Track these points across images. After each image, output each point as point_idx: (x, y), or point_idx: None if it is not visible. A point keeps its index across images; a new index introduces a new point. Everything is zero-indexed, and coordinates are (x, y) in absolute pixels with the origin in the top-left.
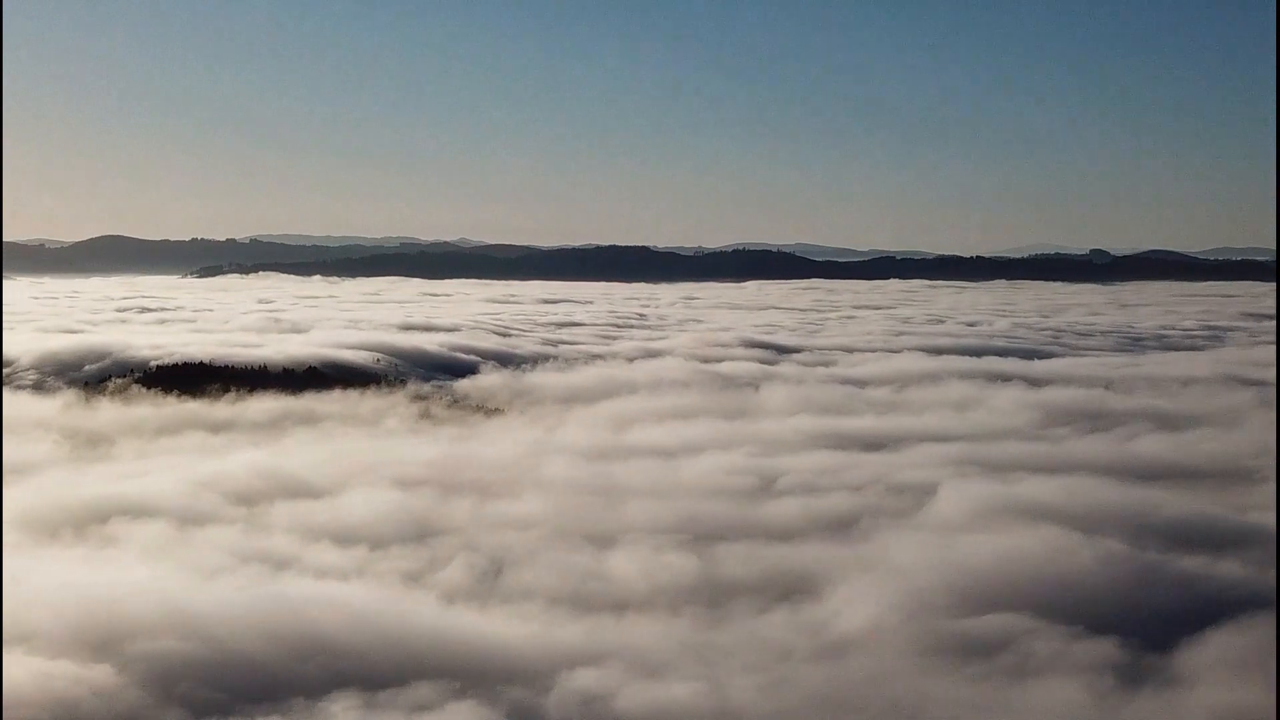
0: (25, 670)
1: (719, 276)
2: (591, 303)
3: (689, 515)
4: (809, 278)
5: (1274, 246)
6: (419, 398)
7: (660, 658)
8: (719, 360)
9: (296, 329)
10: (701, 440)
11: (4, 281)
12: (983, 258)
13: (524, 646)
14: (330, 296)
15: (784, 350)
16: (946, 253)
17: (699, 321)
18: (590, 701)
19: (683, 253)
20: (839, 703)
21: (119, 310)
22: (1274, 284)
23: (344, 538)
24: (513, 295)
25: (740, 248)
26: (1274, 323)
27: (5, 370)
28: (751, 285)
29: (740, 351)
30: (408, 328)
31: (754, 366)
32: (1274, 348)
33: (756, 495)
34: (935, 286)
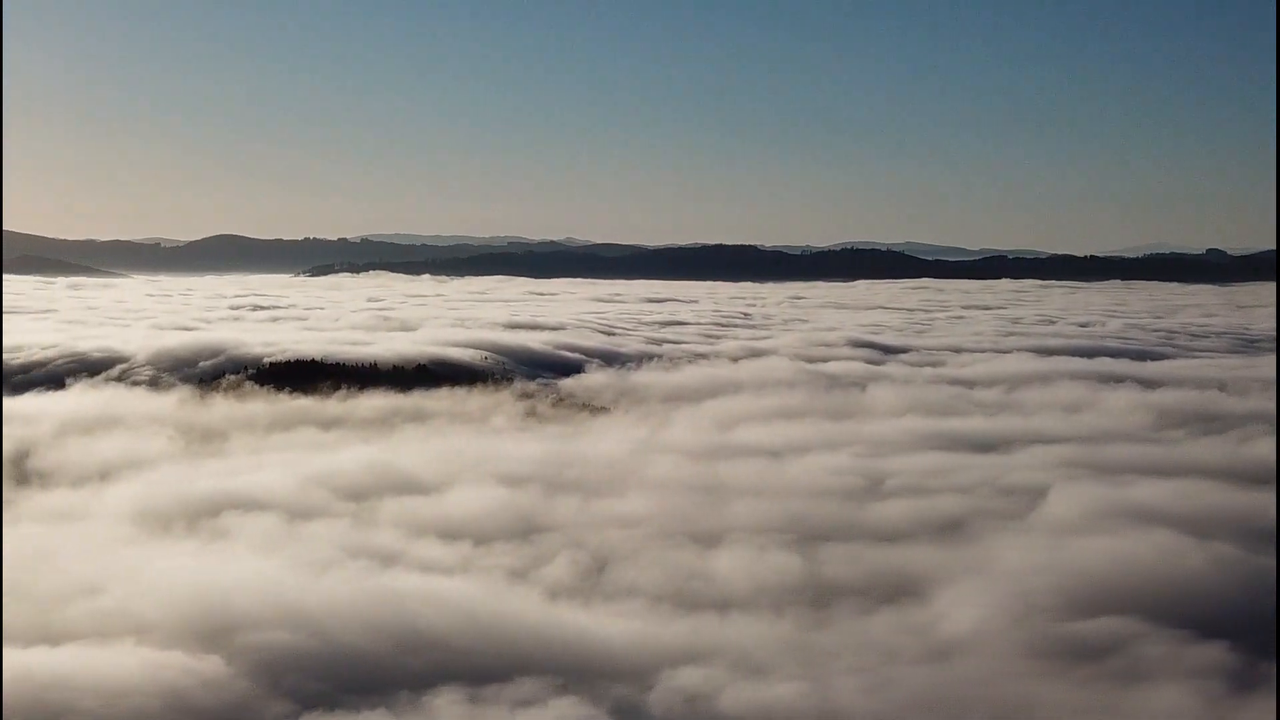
0: (137, 661)
1: (826, 276)
2: (696, 302)
3: (794, 515)
4: (918, 277)
5: None
6: (525, 396)
7: (763, 657)
8: (824, 360)
9: (405, 327)
10: (807, 440)
11: (121, 278)
12: (1096, 257)
13: (626, 644)
14: (438, 295)
15: (891, 350)
16: (1060, 252)
17: (804, 321)
18: (693, 700)
19: (790, 252)
20: (944, 705)
21: (232, 308)
22: None
23: (449, 533)
24: (618, 294)
25: (848, 247)
26: None
27: (122, 366)
28: (859, 285)
29: (846, 351)
30: (514, 326)
31: (860, 366)
32: None
33: (863, 496)
34: (1047, 286)
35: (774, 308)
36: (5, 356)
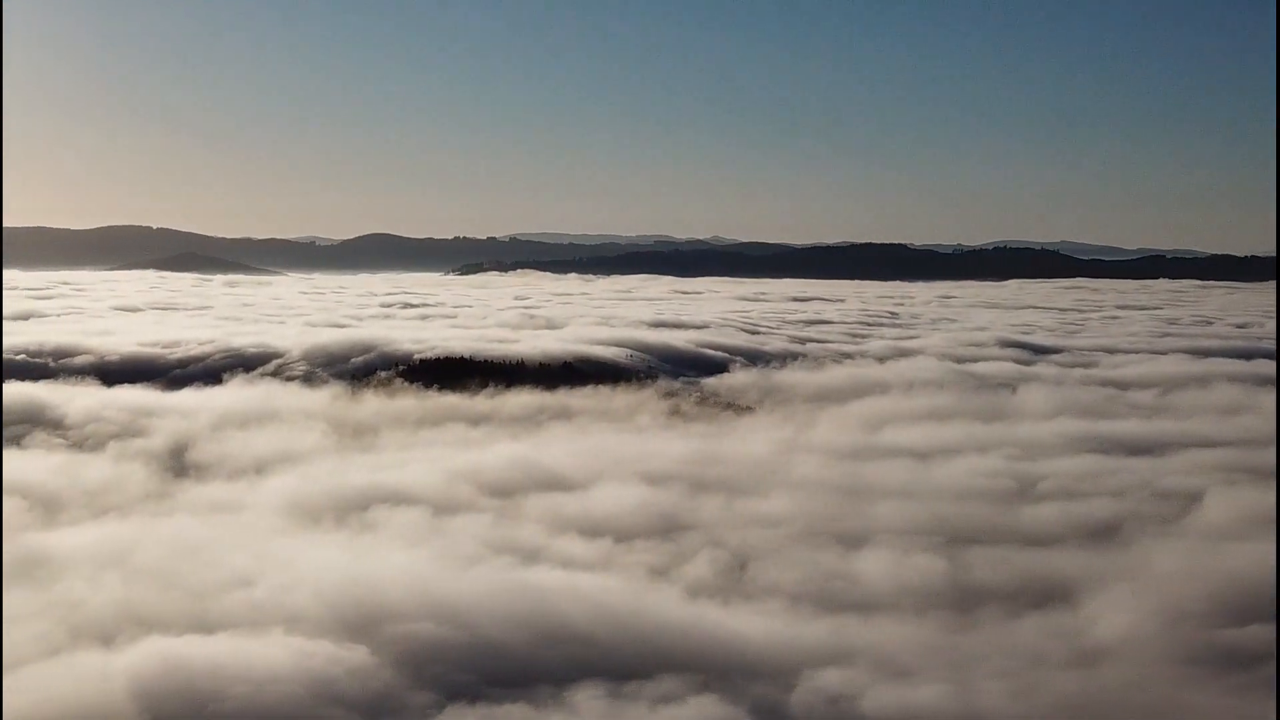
0: (285, 650)
1: (978, 275)
2: (843, 301)
3: (941, 518)
4: (1072, 277)
5: None
6: (669, 394)
7: (906, 660)
8: (974, 360)
9: (551, 325)
10: (956, 442)
11: (276, 276)
12: (1257, 257)
13: (767, 643)
14: (583, 294)
15: (1042, 351)
16: (1219, 252)
17: (953, 320)
18: (835, 701)
19: (941, 251)
20: (1092, 710)
21: (383, 306)
22: None
23: (591, 530)
24: (763, 293)
25: (1001, 246)
26: None
27: (277, 362)
28: (1012, 284)
29: (996, 351)
30: (658, 325)
31: (1010, 367)
32: None
33: (1013, 499)
34: (1206, 287)
35: (922, 307)
36: (163, 351)
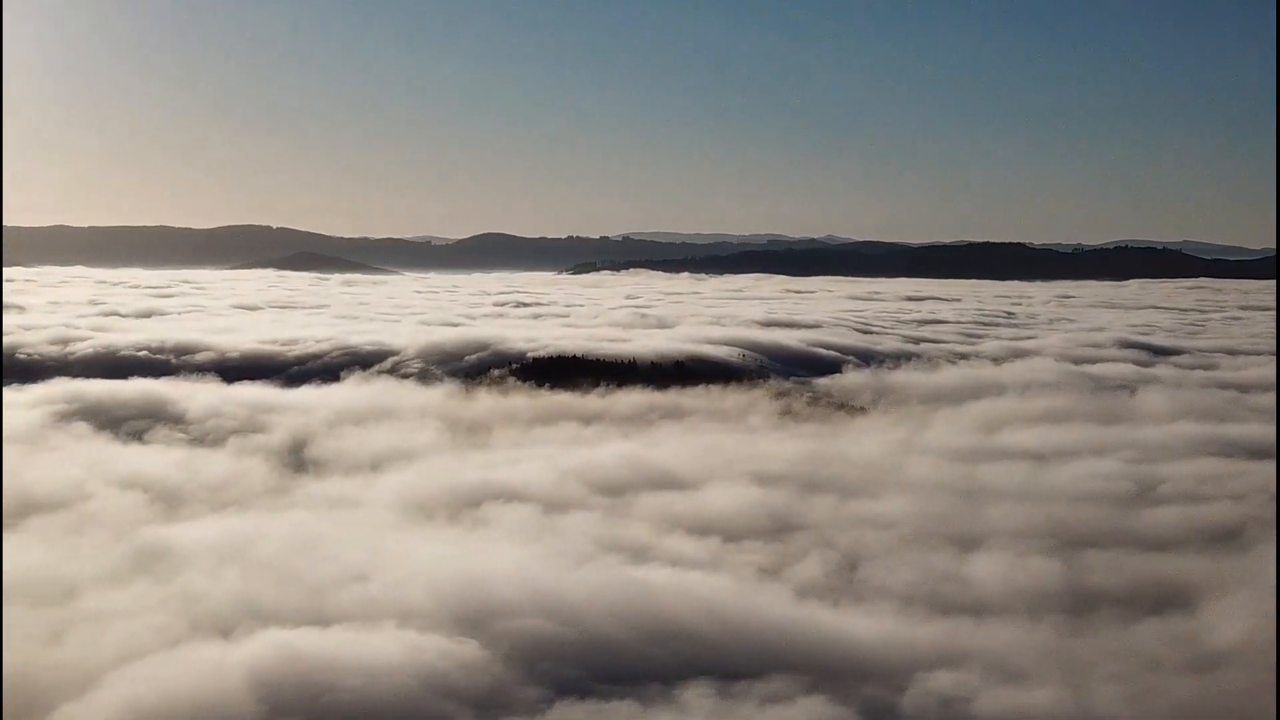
0: (398, 643)
1: (1098, 275)
2: (959, 300)
3: (1057, 521)
4: (1194, 277)
5: None
6: (781, 394)
7: (1019, 663)
8: (1092, 361)
9: (662, 324)
10: (1073, 444)
11: (391, 275)
12: None
13: (878, 645)
14: (694, 293)
15: (1161, 352)
16: None
17: (1071, 321)
18: (947, 703)
19: (1060, 250)
20: (1209, 716)
21: (496, 305)
22: None
23: (701, 529)
24: (876, 292)
25: (1122, 245)
26: None
27: (393, 360)
28: (1133, 284)
29: (1114, 352)
30: (770, 324)
31: (1129, 368)
32: None
33: (1131, 502)
34: None
35: (1040, 307)
36: (281, 348)
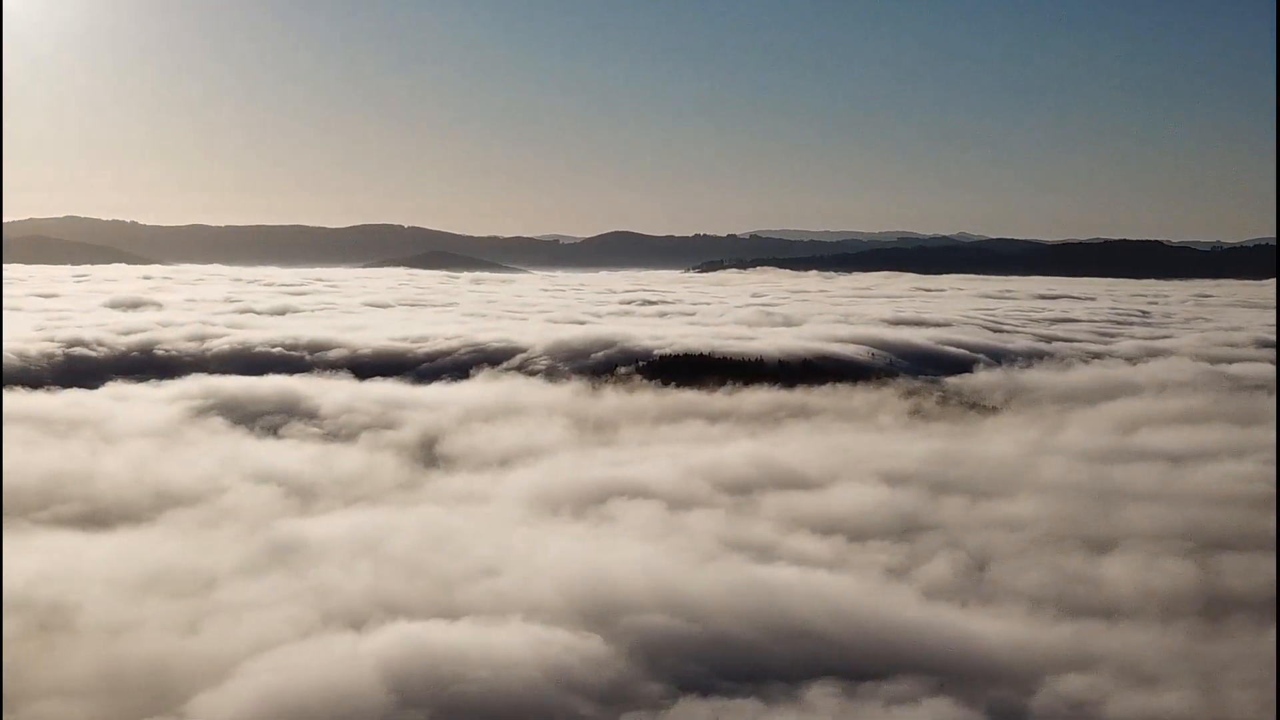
0: (524, 637)
1: (1237, 273)
2: (1093, 299)
3: (1193, 523)
4: None
5: None
6: (910, 393)
7: (1151, 667)
8: (1229, 361)
9: (789, 323)
10: (1210, 445)
11: (519, 274)
12: None
13: (1006, 647)
14: (821, 291)
15: None
16: None
17: (1208, 320)
18: (1077, 707)
19: (1198, 248)
20: None
21: (622, 303)
22: None
23: (826, 528)
24: (1008, 291)
25: (1262, 243)
26: None
27: (521, 357)
28: (1272, 283)
29: (1253, 352)
30: (898, 322)
31: (1268, 369)
32: None
33: (1268, 505)
34: None
35: (1176, 306)
36: (412, 346)
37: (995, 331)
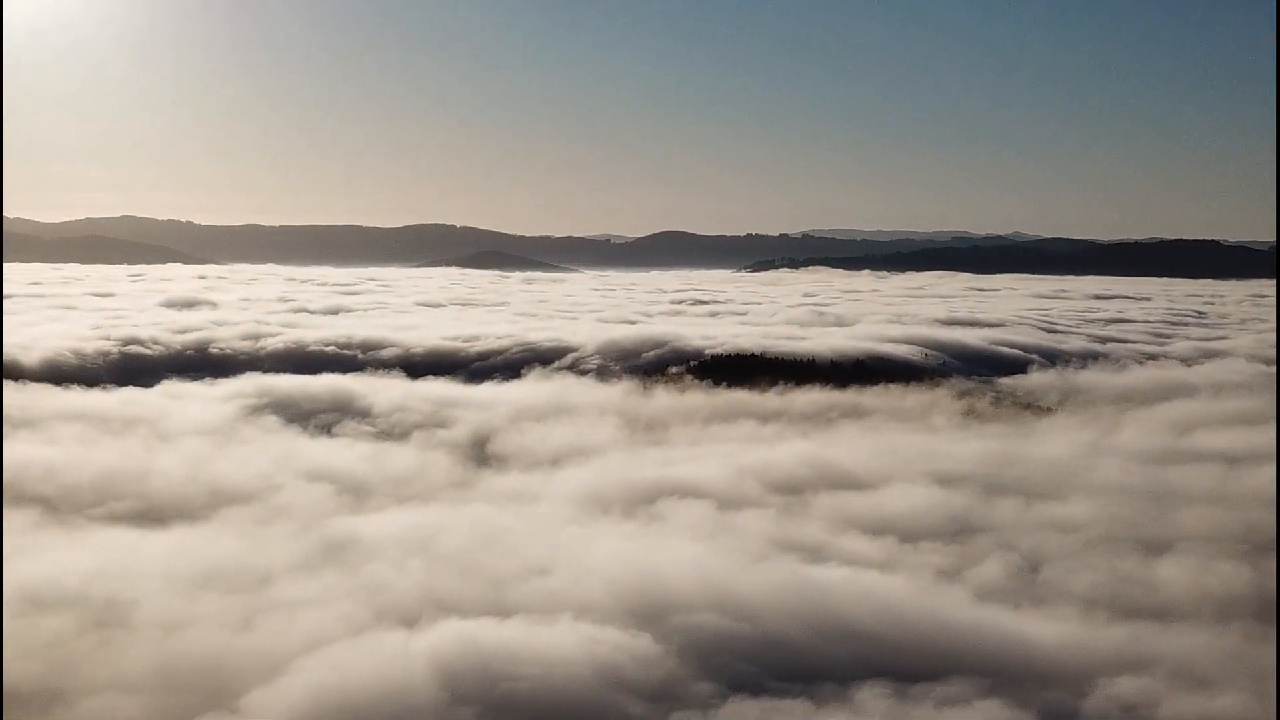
0: (574, 635)
1: None
2: (1149, 300)
3: (1250, 525)
4: None
5: None
6: (963, 394)
7: (1206, 669)
8: None
9: (840, 323)
10: (1266, 447)
11: (571, 273)
12: None
13: (1058, 649)
14: (874, 291)
15: None
16: None
17: (1264, 321)
18: (1130, 709)
19: (1256, 247)
20: None
21: (673, 302)
22: None
23: (877, 529)
24: (1063, 290)
25: None
26: None
27: (572, 356)
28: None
29: None
30: (951, 322)
31: None
32: None
33: None
34: None
35: (1232, 306)
36: (464, 345)
37: (1049, 332)
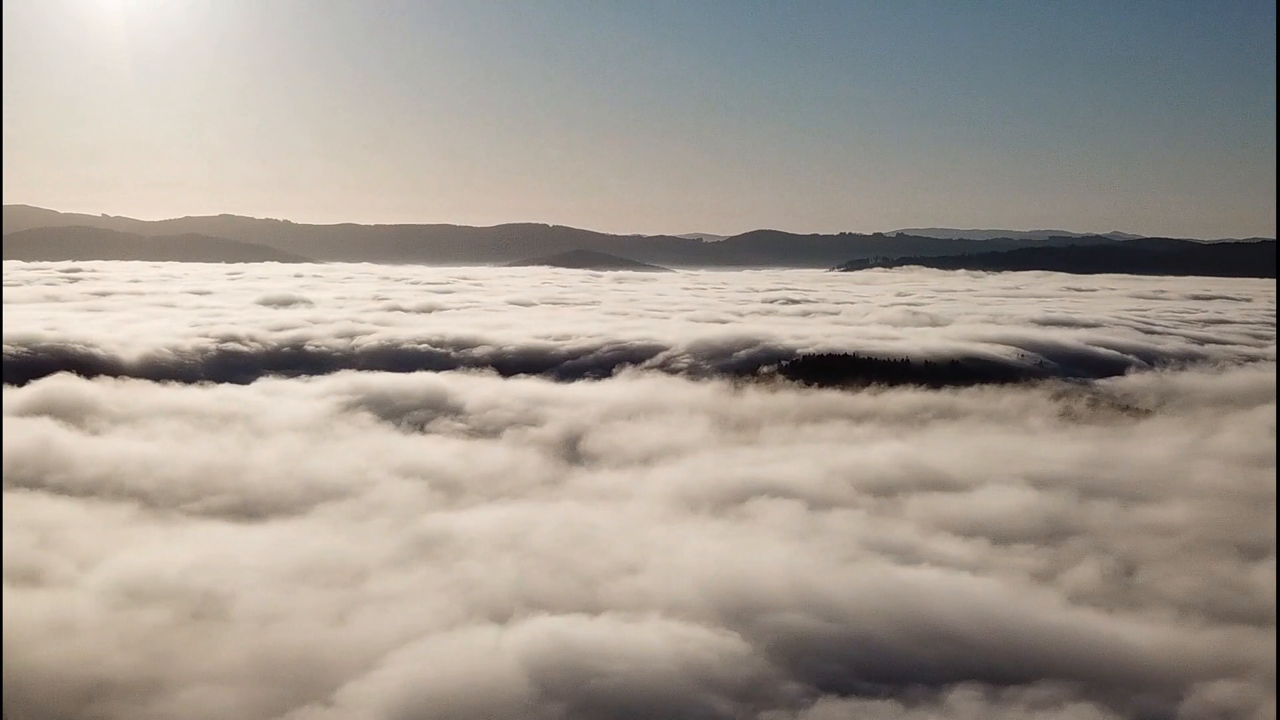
0: (662, 633)
1: None
2: (1249, 300)
3: None
4: None
5: None
6: (1059, 395)
7: None
8: None
9: (935, 323)
10: None
11: (662, 272)
12: None
13: (1153, 653)
14: (969, 291)
15: None
16: None
17: None
18: (1226, 714)
19: None
20: None
21: (765, 302)
22: None
23: (969, 531)
24: (1162, 291)
25: None
26: None
27: (663, 355)
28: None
29: None
30: (1047, 323)
31: None
32: None
33: None
34: None
35: None
36: (555, 343)
37: (1147, 333)
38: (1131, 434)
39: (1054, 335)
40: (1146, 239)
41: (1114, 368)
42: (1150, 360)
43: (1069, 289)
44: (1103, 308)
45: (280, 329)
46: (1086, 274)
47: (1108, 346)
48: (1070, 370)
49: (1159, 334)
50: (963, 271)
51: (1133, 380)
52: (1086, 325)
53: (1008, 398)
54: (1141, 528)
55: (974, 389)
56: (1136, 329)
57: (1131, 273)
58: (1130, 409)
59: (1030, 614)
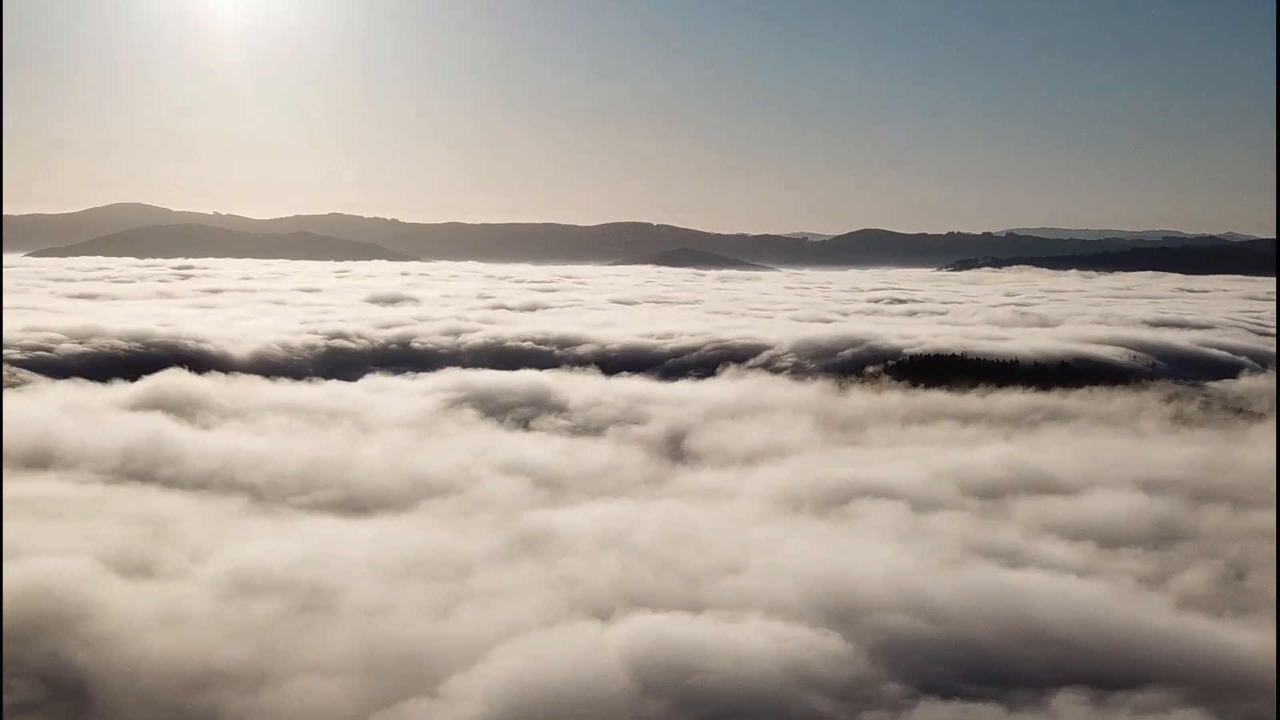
0: (763, 632)
1: None
2: None
3: None
4: None
5: None
6: (1171, 397)
7: None
8: None
9: (1044, 323)
10: None
11: (767, 271)
12: None
13: (1262, 659)
14: (1079, 291)
15: None
16: None
17: None
18: None
19: None
20: None
21: (870, 301)
22: None
23: (1076, 534)
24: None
25: None
26: None
27: (768, 354)
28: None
29: None
30: (1159, 324)
31: None
32: None
33: None
34: None
35: None
36: (658, 342)
37: (1261, 335)
38: (1244, 437)
39: (1166, 336)
40: (1261, 240)
41: (1227, 370)
42: (1264, 363)
43: (1181, 290)
44: (1216, 309)
45: (387, 326)
46: (1200, 275)
47: (1221, 348)
48: (1182, 372)
49: (1273, 336)
50: (1073, 272)
51: (1246, 383)
52: (1199, 327)
53: (1118, 400)
54: (1253, 532)
55: (1084, 390)
56: (1250, 330)
57: (1246, 274)
58: (1243, 412)
59: (1138, 618)
